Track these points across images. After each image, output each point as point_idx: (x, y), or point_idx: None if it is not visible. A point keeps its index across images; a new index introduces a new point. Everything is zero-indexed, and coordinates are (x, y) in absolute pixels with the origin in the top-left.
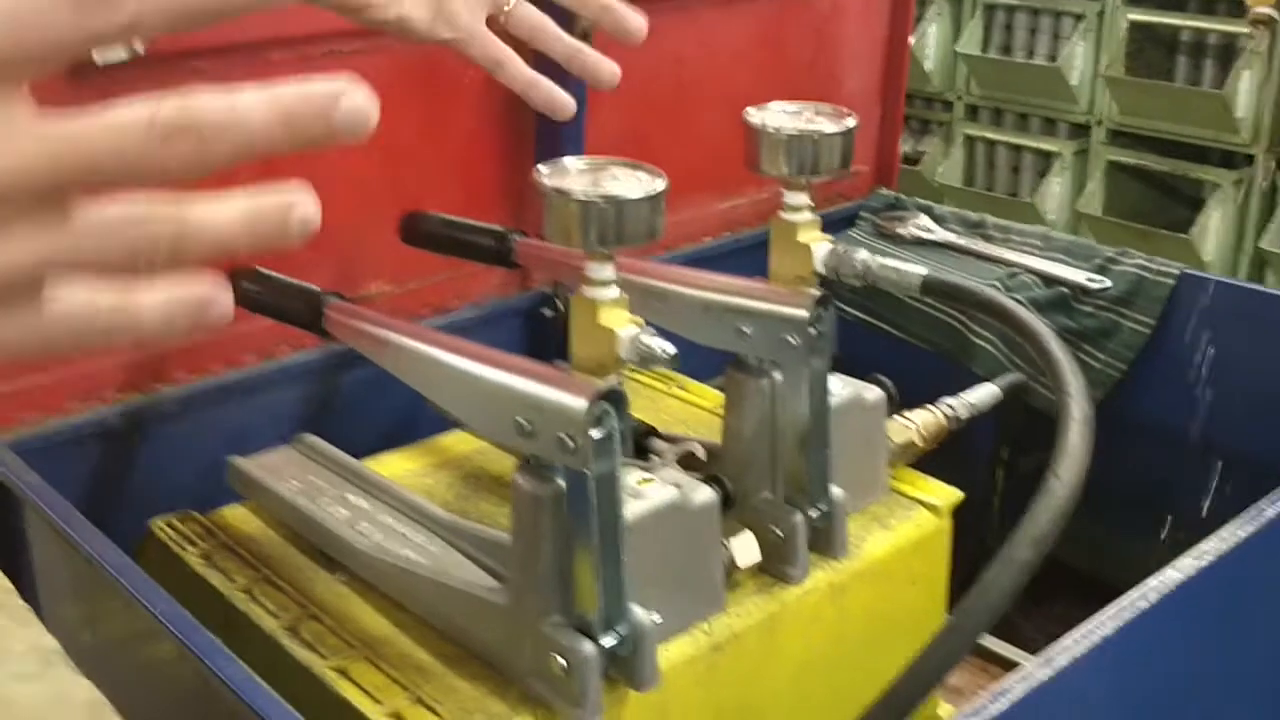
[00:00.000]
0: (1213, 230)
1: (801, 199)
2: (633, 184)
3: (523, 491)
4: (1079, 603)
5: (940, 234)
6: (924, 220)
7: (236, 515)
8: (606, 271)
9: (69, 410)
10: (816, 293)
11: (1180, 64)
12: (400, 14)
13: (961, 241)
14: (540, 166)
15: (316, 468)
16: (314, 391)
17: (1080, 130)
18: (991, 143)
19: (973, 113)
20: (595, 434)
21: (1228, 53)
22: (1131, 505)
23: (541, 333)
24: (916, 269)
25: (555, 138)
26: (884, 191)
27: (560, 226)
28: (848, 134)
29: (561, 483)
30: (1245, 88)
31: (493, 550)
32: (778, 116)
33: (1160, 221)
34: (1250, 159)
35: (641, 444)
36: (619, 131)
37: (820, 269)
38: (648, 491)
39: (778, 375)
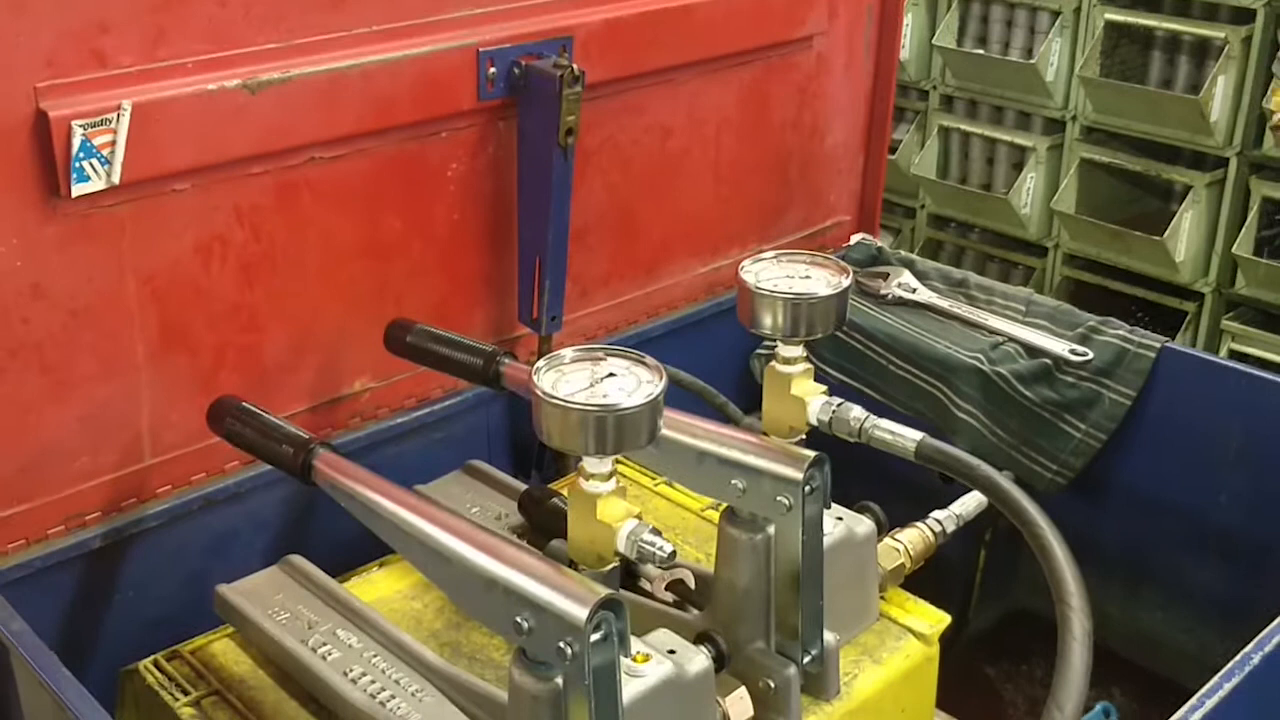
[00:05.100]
0: (1185, 233)
1: (795, 352)
2: (630, 383)
3: (519, 688)
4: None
5: (923, 293)
6: (906, 278)
7: (225, 650)
8: (604, 467)
9: (51, 537)
10: (811, 454)
11: (1155, 60)
12: None
13: (944, 304)
14: (539, 363)
15: (304, 595)
16: (298, 496)
17: (1055, 125)
18: (966, 134)
19: (948, 103)
20: (594, 637)
21: (1202, 50)
22: (1110, 571)
23: (523, 417)
24: (911, 434)
25: (541, 223)
26: (866, 241)
27: (557, 432)
28: (842, 295)
29: (559, 681)
30: (1220, 92)
31: (488, 706)
32: (772, 272)
33: (1132, 213)
34: (1223, 161)
35: (632, 569)
36: (604, 205)
37: (814, 422)
38: (644, 670)
39: (770, 530)
